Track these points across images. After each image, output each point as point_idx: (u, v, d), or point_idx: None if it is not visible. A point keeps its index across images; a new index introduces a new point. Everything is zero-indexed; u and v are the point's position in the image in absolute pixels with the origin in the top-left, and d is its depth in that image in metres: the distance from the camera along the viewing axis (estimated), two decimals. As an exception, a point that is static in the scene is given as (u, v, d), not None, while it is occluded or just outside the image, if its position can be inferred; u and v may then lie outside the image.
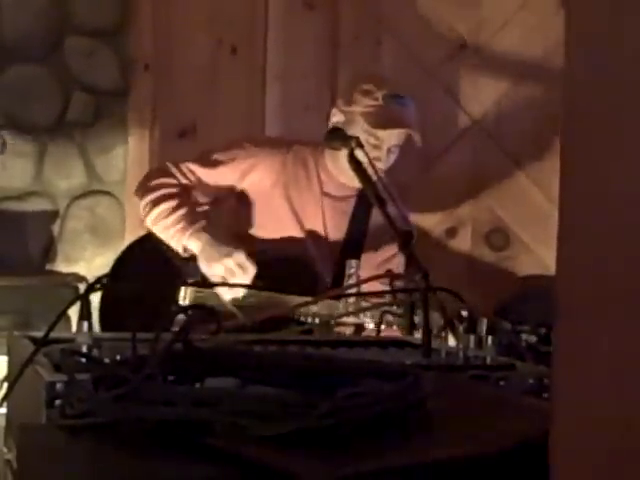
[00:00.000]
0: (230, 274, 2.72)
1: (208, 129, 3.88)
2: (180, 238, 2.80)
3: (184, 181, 2.92)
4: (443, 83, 3.87)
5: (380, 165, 2.89)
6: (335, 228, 2.98)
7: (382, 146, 2.91)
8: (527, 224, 3.78)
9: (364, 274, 2.57)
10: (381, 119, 2.91)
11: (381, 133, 2.90)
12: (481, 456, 1.25)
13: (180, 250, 2.80)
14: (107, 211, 3.79)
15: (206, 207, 2.99)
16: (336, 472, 1.17)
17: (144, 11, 4.03)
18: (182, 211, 2.85)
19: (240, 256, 2.76)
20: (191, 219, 2.83)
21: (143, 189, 2.92)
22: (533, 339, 2.87)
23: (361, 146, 2.82)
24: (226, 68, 3.97)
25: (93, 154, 4.03)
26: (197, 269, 2.76)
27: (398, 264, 2.86)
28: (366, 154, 2.79)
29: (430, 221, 3.69)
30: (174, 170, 2.93)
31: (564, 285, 1.15)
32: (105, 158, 4.04)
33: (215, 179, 2.93)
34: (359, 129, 2.91)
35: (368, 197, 2.89)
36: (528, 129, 3.76)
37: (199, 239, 2.79)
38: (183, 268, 2.76)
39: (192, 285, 2.69)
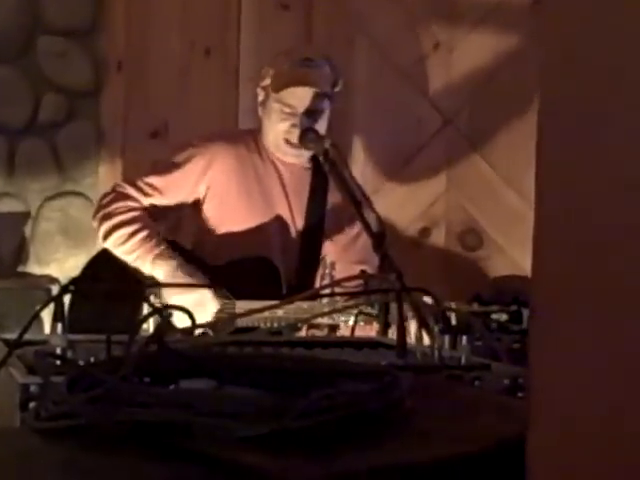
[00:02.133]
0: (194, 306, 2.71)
1: (180, 130, 3.87)
2: (142, 264, 2.79)
3: (143, 198, 2.88)
4: (416, 83, 3.88)
5: (320, 125, 2.86)
6: (300, 210, 2.98)
7: (296, 111, 2.88)
8: (501, 224, 3.80)
9: (331, 257, 2.57)
10: (284, 80, 2.90)
11: (284, 94, 2.88)
12: (456, 456, 1.26)
13: (145, 271, 2.78)
14: (79, 212, 3.77)
15: (166, 221, 2.97)
16: (309, 472, 1.18)
17: (117, 11, 4.02)
18: (140, 236, 2.82)
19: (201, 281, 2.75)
20: (150, 244, 2.81)
21: (100, 215, 2.87)
22: (504, 317, 2.89)
23: (335, 146, 2.82)
24: (199, 69, 3.96)
25: (65, 155, 4.02)
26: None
27: (364, 243, 2.84)
28: (338, 153, 2.80)
29: (403, 221, 3.70)
30: (130, 190, 2.90)
31: (540, 283, 1.16)
32: (77, 159, 4.03)
33: (174, 184, 2.90)
34: (271, 100, 2.91)
35: (320, 171, 2.91)
36: (501, 129, 3.77)
37: (161, 267, 2.77)
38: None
39: (154, 286, 2.67)
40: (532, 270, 1.16)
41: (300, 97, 2.89)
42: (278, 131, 2.92)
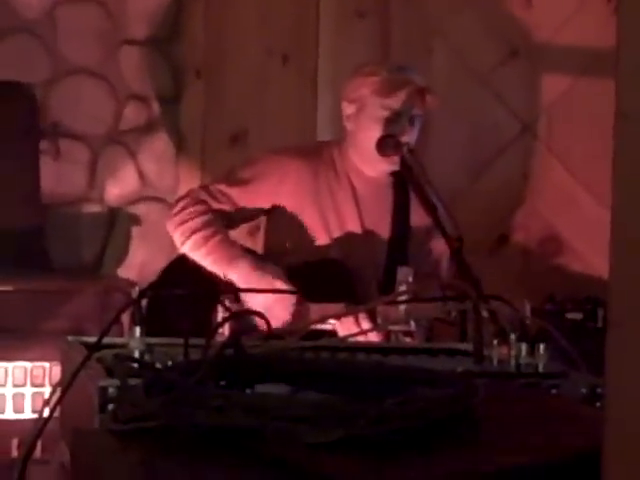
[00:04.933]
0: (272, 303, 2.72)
1: (259, 136, 3.89)
2: (218, 268, 2.80)
3: (216, 205, 2.89)
4: (494, 89, 3.86)
5: (406, 139, 2.83)
6: (373, 228, 2.96)
7: (401, 116, 2.85)
8: (580, 232, 3.76)
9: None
10: (388, 86, 2.86)
11: (392, 99, 2.85)
12: (529, 466, 1.25)
13: (221, 275, 2.79)
14: (159, 217, 3.81)
15: (242, 226, 2.98)
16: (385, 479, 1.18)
17: (196, 20, 4.05)
18: (216, 239, 2.83)
19: (279, 281, 2.76)
20: (225, 247, 2.83)
21: (175, 220, 2.89)
22: (579, 316, 2.85)
23: (412, 151, 2.81)
24: (277, 76, 3.98)
25: (145, 161, 4.06)
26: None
27: (447, 263, 2.83)
28: (416, 159, 2.79)
29: (481, 228, 3.68)
30: (204, 195, 2.90)
31: (617, 293, 1.14)
32: (157, 165, 4.07)
33: (247, 197, 2.90)
34: (373, 108, 2.87)
35: (402, 187, 2.89)
36: (580, 135, 3.73)
37: (237, 268, 2.78)
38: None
39: (230, 293, 2.68)
40: (610, 276, 1.14)
41: (406, 99, 2.86)
42: (374, 137, 2.86)
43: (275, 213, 2.94)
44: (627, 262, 1.13)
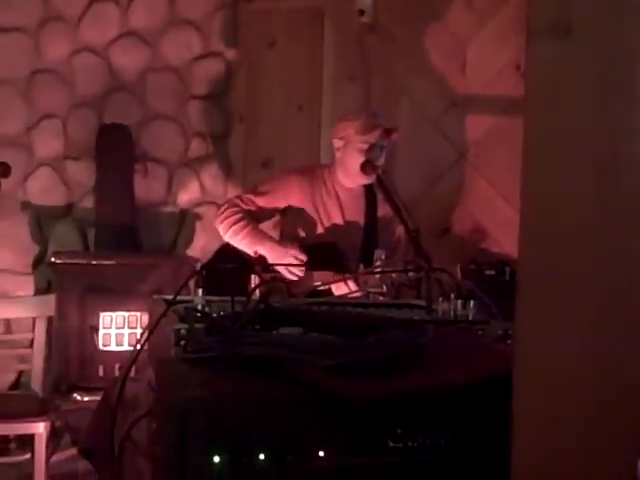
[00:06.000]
0: (291, 262, 2.73)
1: (282, 162, 3.88)
2: (251, 247, 2.81)
3: (246, 207, 2.89)
4: (440, 128, 3.84)
5: (380, 163, 2.83)
6: (352, 222, 2.95)
7: (375, 147, 2.84)
8: (497, 225, 3.74)
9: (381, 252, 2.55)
10: (366, 127, 2.85)
11: (369, 136, 2.83)
12: (466, 382, 1.24)
13: (252, 253, 2.81)
14: (212, 215, 3.81)
15: (265, 222, 2.97)
16: (365, 391, 1.17)
17: (239, 81, 4.05)
18: (248, 229, 2.84)
19: (295, 250, 2.77)
20: (255, 233, 2.83)
21: (220, 218, 2.89)
22: (493, 273, 2.84)
23: (384, 171, 2.81)
24: (294, 120, 3.97)
25: (205, 178, 4.06)
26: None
27: (404, 245, 2.83)
28: (386, 175, 2.79)
29: (431, 223, 3.66)
30: (238, 201, 2.90)
31: (522, 264, 1.14)
32: (213, 180, 4.07)
33: (265, 203, 2.90)
34: (355, 143, 2.85)
35: (371, 194, 2.89)
36: (498, 160, 3.70)
37: (264, 245, 2.79)
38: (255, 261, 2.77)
39: (261, 268, 2.68)
40: (518, 254, 1.14)
41: (379, 135, 2.85)
42: (357, 164, 2.85)
43: (286, 213, 2.93)
44: (529, 244, 1.13)
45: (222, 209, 2.91)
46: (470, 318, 1.70)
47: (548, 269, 1.11)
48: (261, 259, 2.75)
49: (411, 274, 2.16)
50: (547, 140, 1.14)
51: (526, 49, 1.14)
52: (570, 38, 1.11)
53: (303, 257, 2.75)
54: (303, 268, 2.71)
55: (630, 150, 1.10)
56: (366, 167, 2.84)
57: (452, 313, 1.71)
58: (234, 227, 2.84)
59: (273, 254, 2.77)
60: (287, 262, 2.72)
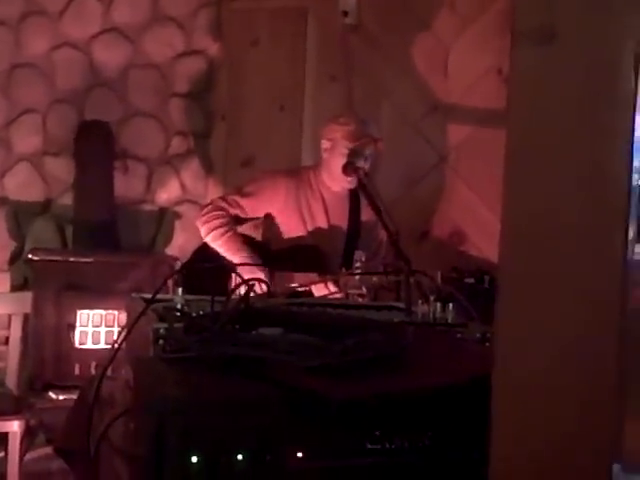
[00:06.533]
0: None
1: (264, 161, 3.88)
2: (227, 254, 2.80)
3: (230, 209, 2.87)
4: (421, 132, 3.85)
5: (362, 165, 2.83)
6: (336, 224, 2.95)
7: (360, 154, 2.84)
8: (476, 229, 3.76)
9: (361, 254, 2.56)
10: (354, 135, 2.85)
11: (355, 144, 2.84)
12: (445, 385, 1.24)
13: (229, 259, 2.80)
14: (193, 215, 3.79)
15: (249, 223, 2.96)
16: (344, 392, 1.17)
17: (221, 80, 4.03)
18: (228, 235, 2.82)
19: (262, 275, 2.71)
20: (233, 241, 2.81)
21: (202, 219, 2.88)
22: (472, 281, 2.86)
23: (366, 175, 2.82)
24: (276, 120, 3.96)
25: (185, 176, 4.04)
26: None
27: (386, 248, 2.84)
28: (368, 179, 2.79)
29: (411, 226, 3.67)
30: (222, 204, 2.88)
31: (504, 270, 1.15)
32: (193, 179, 4.05)
33: (250, 204, 2.89)
34: (342, 148, 2.86)
35: (356, 198, 2.89)
36: (478, 164, 3.72)
37: (238, 256, 2.77)
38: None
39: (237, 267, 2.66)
40: (499, 258, 1.15)
41: (366, 145, 2.86)
42: (340, 165, 2.86)
43: (270, 215, 2.92)
44: (511, 248, 1.14)
45: (205, 210, 2.90)
46: (449, 321, 1.70)
47: (529, 272, 1.12)
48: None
49: (391, 277, 2.16)
50: (530, 145, 1.14)
51: (510, 53, 1.15)
52: (554, 43, 1.12)
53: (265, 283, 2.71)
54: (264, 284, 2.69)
55: (612, 155, 1.11)
56: (348, 168, 2.85)
57: (431, 315, 1.71)
58: (215, 232, 2.84)
59: (243, 268, 2.76)
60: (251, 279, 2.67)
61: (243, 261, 2.75)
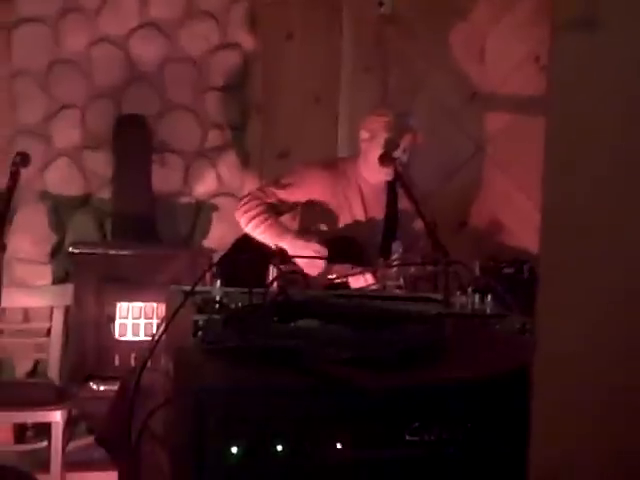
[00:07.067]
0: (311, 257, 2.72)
1: (299, 153, 3.88)
2: (271, 241, 2.81)
3: (268, 200, 2.89)
4: (458, 122, 3.83)
5: (398, 156, 2.84)
6: (373, 216, 2.95)
7: (398, 145, 2.85)
8: (514, 218, 3.73)
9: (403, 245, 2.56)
10: (393, 126, 2.86)
11: (395, 135, 2.85)
12: (485, 377, 1.24)
13: (272, 246, 2.80)
14: (230, 207, 3.81)
15: (285, 215, 2.97)
16: (378, 384, 1.17)
17: (256, 73, 4.04)
18: (269, 222, 2.84)
19: (316, 245, 2.76)
20: (276, 226, 2.83)
21: (241, 210, 2.90)
22: (511, 271, 2.83)
23: (402, 166, 2.81)
24: (311, 111, 3.96)
25: (222, 169, 4.06)
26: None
27: (423, 239, 2.83)
28: (405, 170, 2.79)
29: (449, 216, 3.65)
30: (260, 194, 2.91)
31: (545, 260, 1.14)
32: (229, 171, 4.06)
33: (287, 196, 2.91)
34: (380, 139, 2.86)
35: (393, 190, 2.88)
36: (516, 154, 3.68)
37: (285, 239, 2.79)
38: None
39: (280, 260, 2.67)
40: (539, 248, 1.14)
41: (402, 138, 2.86)
42: (377, 157, 2.87)
43: (307, 206, 2.93)
44: (551, 238, 1.13)
45: (243, 201, 2.92)
46: (488, 312, 1.69)
47: (570, 263, 1.10)
48: (281, 252, 2.75)
49: (428, 268, 2.16)
50: (570, 134, 1.13)
51: (550, 42, 1.13)
52: (596, 31, 1.10)
53: (324, 251, 2.75)
54: (324, 262, 2.71)
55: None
56: (384, 159, 2.84)
57: (469, 307, 1.70)
58: (255, 220, 2.85)
59: (294, 248, 2.77)
60: (307, 256, 2.72)
61: (291, 242, 2.77)
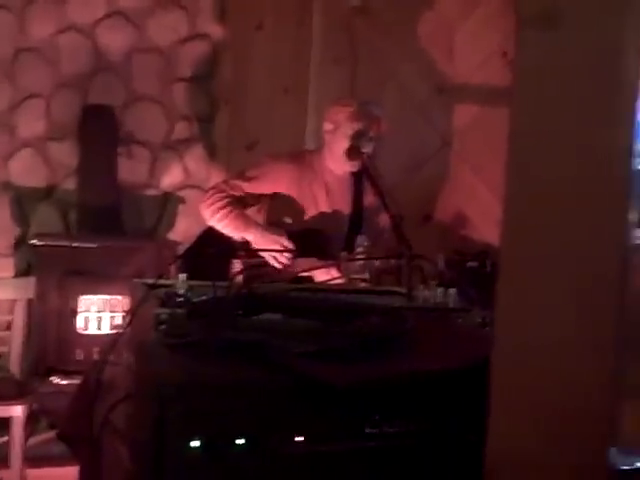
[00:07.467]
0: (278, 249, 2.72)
1: (267, 145, 3.87)
2: (237, 233, 2.80)
3: (233, 192, 2.87)
4: (425, 115, 3.84)
5: (365, 149, 2.83)
6: (339, 208, 2.95)
7: (363, 135, 2.84)
8: (478, 212, 3.75)
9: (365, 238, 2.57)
10: (357, 115, 2.85)
11: (358, 124, 2.84)
12: (445, 369, 1.25)
13: (238, 239, 2.80)
14: (197, 199, 3.79)
15: (251, 208, 2.96)
16: (343, 376, 1.18)
17: (225, 64, 4.02)
18: (234, 215, 2.82)
19: (282, 237, 2.76)
20: (241, 219, 2.82)
21: (206, 203, 2.88)
22: (475, 264, 2.86)
23: (369, 157, 2.81)
24: (280, 103, 3.95)
25: (188, 161, 4.04)
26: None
27: (389, 232, 2.84)
28: (371, 162, 2.79)
29: (414, 210, 3.67)
30: (225, 187, 2.89)
31: (504, 254, 1.15)
32: (196, 164, 4.04)
33: (252, 189, 2.89)
34: (345, 129, 2.85)
35: (359, 182, 2.88)
36: (482, 148, 3.71)
37: (251, 232, 2.78)
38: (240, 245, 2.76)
39: (244, 254, 2.67)
40: (500, 241, 1.15)
41: (366, 126, 2.86)
42: (344, 148, 2.86)
43: (273, 199, 2.92)
44: (511, 232, 1.14)
45: (208, 194, 2.90)
46: (450, 306, 1.70)
47: (529, 256, 1.12)
48: (246, 245, 2.74)
49: (393, 261, 2.17)
50: (532, 129, 1.14)
51: (515, 38, 1.15)
52: (558, 28, 1.11)
53: (290, 245, 2.74)
54: (290, 255, 2.70)
55: (615, 139, 1.11)
56: (351, 152, 2.85)
57: (432, 300, 1.72)
58: (220, 213, 2.84)
59: (260, 241, 2.77)
60: (274, 249, 2.71)
61: (258, 235, 2.77)
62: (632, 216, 1.12)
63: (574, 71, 1.11)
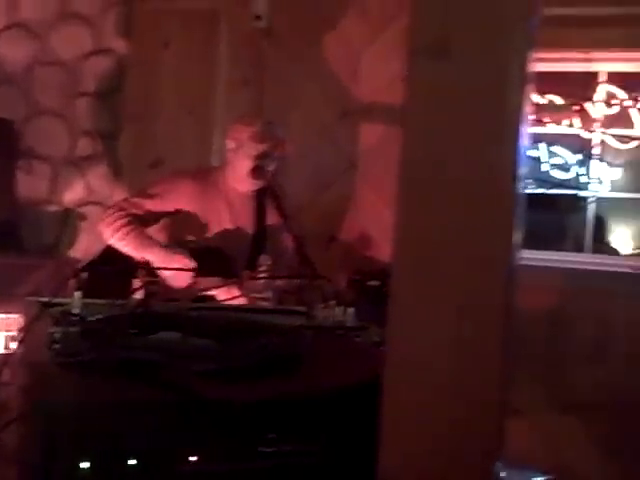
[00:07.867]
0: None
1: (172, 163, 3.84)
2: (137, 253, 2.76)
3: (134, 211, 2.83)
4: (331, 138, 3.89)
5: (269, 169, 2.85)
6: (242, 226, 2.94)
7: (266, 156, 2.85)
8: (382, 233, 3.81)
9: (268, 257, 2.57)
10: (260, 136, 2.86)
11: (261, 145, 2.85)
12: (341, 386, 1.27)
13: (139, 258, 2.75)
14: (98, 216, 3.73)
15: (152, 226, 2.92)
16: (239, 396, 1.18)
17: (132, 81, 3.98)
18: (134, 234, 2.78)
19: (183, 257, 2.73)
20: (141, 238, 2.78)
21: (105, 222, 2.82)
22: (377, 283, 2.90)
23: (273, 177, 2.83)
24: (186, 122, 3.93)
25: (91, 177, 3.97)
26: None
27: (291, 252, 2.86)
28: (275, 182, 2.81)
29: (318, 231, 3.70)
30: (125, 205, 2.84)
31: (397, 278, 1.18)
32: (99, 180, 3.98)
33: (154, 207, 2.85)
34: (248, 149, 2.86)
35: (261, 201, 2.90)
36: (386, 170, 3.78)
37: (151, 252, 2.74)
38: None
39: (145, 270, 2.63)
40: (392, 263, 1.19)
41: (268, 147, 2.87)
42: (247, 168, 2.88)
43: (174, 217, 2.89)
44: (402, 250, 1.18)
45: (108, 212, 2.85)
46: (349, 324, 1.72)
47: (418, 274, 1.16)
48: (146, 264, 2.70)
49: (294, 281, 2.18)
50: (422, 157, 1.19)
51: (406, 67, 1.19)
52: (448, 58, 1.16)
53: (191, 263, 2.71)
54: (190, 275, 2.68)
55: (500, 163, 1.16)
56: (255, 173, 2.86)
57: (332, 320, 1.73)
58: (120, 232, 2.78)
59: (160, 260, 2.73)
60: (174, 267, 2.68)
61: (158, 254, 2.73)
62: (516, 237, 1.17)
63: (462, 99, 1.16)
